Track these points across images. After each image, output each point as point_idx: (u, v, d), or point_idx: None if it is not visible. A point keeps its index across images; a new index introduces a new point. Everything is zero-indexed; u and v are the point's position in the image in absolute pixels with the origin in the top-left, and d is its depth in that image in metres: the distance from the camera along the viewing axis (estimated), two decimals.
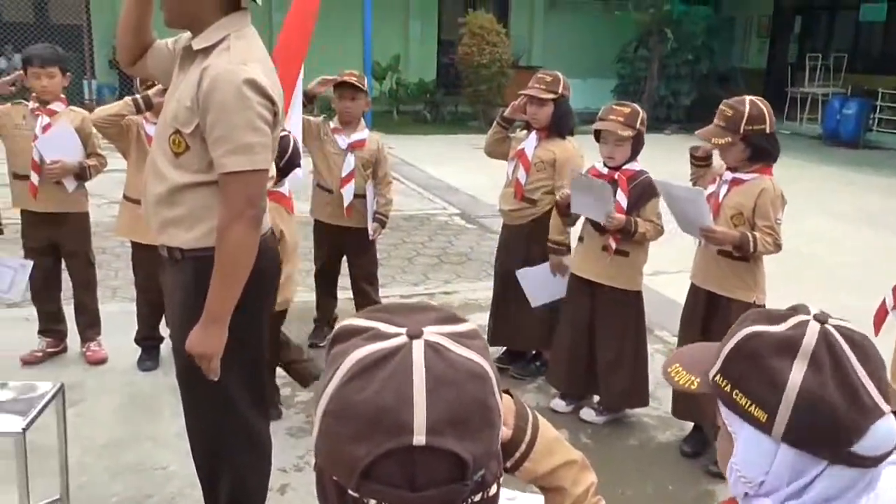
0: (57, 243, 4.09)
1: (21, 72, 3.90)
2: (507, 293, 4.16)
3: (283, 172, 3.42)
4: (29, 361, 4.10)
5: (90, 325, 4.24)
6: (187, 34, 2.39)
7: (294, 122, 3.90)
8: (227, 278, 2.17)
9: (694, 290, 3.44)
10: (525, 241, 4.09)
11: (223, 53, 2.15)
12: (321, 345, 4.58)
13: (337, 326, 0.88)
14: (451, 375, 0.79)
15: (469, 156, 11.77)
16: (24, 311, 4.75)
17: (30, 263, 3.88)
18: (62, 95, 3.99)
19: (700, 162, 3.51)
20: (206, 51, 2.16)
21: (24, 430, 2.28)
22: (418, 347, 0.79)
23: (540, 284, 4.02)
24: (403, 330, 0.81)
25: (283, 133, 3.40)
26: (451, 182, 9.74)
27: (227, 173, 2.13)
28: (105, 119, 3.77)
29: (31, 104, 3.92)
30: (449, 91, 16.57)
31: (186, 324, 2.26)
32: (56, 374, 3.82)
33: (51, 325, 4.22)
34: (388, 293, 5.04)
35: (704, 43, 15.86)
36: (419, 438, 0.75)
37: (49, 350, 4.20)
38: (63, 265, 4.22)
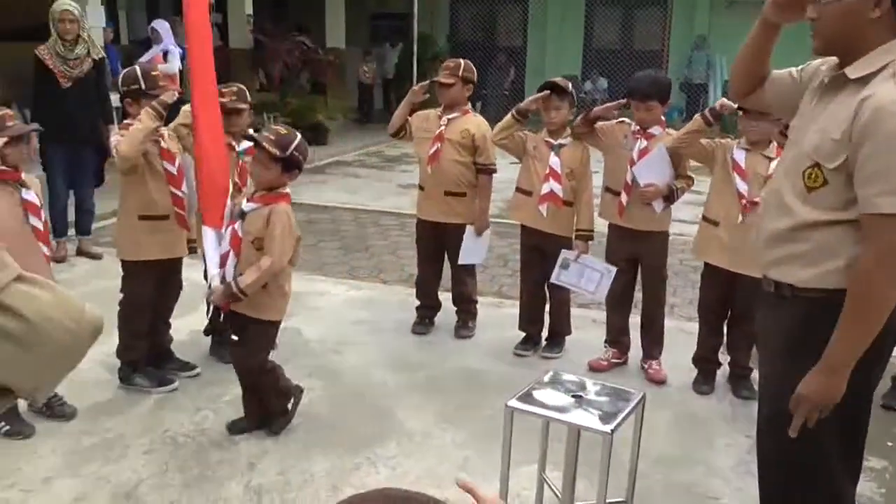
0: (637, 258, 4.32)
1: (625, 99, 4.22)
2: None
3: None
4: (595, 368, 4.40)
5: (655, 341, 4.39)
6: (817, 62, 2.27)
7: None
8: (857, 326, 1.99)
9: None
10: None
11: (887, 82, 1.96)
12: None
13: None
14: None
15: None
16: (591, 312, 5.19)
17: (614, 269, 4.22)
18: (662, 118, 4.20)
19: None
20: (864, 79, 2.00)
21: (613, 431, 2.42)
22: None
23: None
24: None
25: (300, 137, 3.34)
26: None
27: (876, 214, 1.94)
28: (682, 139, 3.97)
29: (634, 126, 4.21)
30: None
31: (785, 364, 2.16)
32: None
33: (618, 337, 4.48)
34: None
35: None
36: None
37: (613, 360, 4.46)
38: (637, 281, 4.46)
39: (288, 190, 3.40)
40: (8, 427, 3.45)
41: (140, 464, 3.33)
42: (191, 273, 4.79)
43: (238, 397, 3.96)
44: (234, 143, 4.17)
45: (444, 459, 3.47)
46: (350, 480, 3.27)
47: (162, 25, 9.18)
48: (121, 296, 3.96)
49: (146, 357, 4.04)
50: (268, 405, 3.60)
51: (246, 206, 3.36)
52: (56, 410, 3.62)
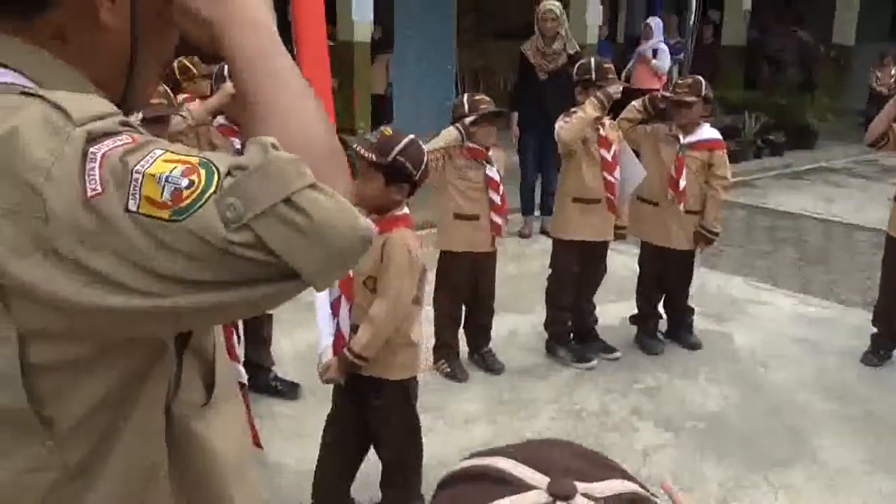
0: None
1: None
2: None
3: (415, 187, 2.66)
4: None
5: None
6: None
7: None
8: None
9: None
10: None
11: None
12: None
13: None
14: None
15: None
16: None
17: None
18: None
19: None
20: None
21: None
22: None
23: None
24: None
25: (410, 138, 2.60)
26: None
27: None
28: None
29: None
30: None
31: None
32: None
33: None
34: None
35: None
36: None
37: None
38: None
39: (406, 210, 2.66)
40: (449, 369, 4.00)
41: (545, 426, 3.59)
42: (625, 259, 4.95)
43: (652, 388, 3.99)
44: (680, 135, 4.16)
45: None
46: (740, 496, 3.08)
47: (656, 23, 9.37)
48: (549, 271, 4.27)
49: (571, 333, 4.29)
50: (392, 484, 2.82)
51: None
52: (489, 363, 4.07)
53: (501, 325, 4.35)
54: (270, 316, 3.68)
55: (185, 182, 0.72)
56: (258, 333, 3.65)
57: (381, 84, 9.18)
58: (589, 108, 3.87)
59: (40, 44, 0.85)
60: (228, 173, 0.73)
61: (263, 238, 0.72)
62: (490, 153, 3.87)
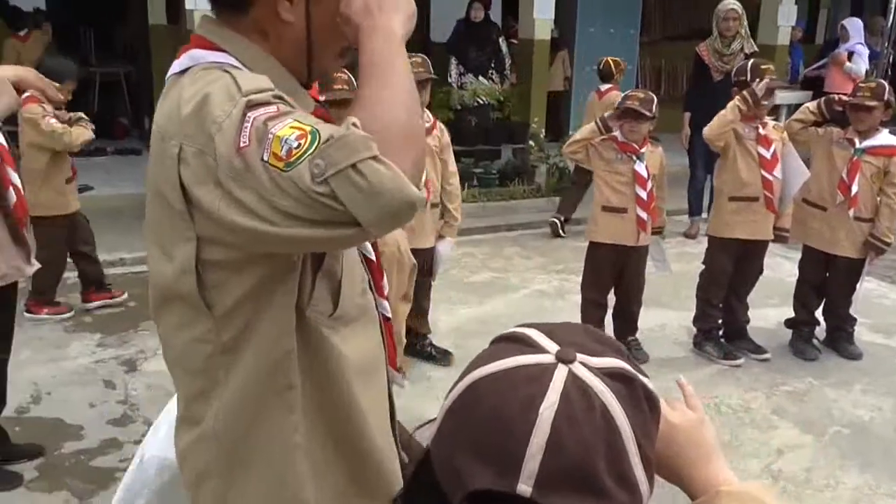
0: None
1: None
2: None
3: None
4: None
5: None
6: None
7: None
8: None
9: None
10: None
11: None
12: None
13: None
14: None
15: None
16: None
17: None
18: None
19: None
20: None
21: None
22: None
23: None
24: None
25: None
26: None
27: None
28: None
29: None
30: None
31: None
32: None
33: None
34: None
35: None
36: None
37: None
38: None
39: None
40: None
41: None
42: (792, 266, 4.87)
43: (799, 391, 3.96)
44: (856, 139, 4.08)
45: None
46: (874, 503, 3.05)
47: (853, 24, 8.88)
48: (702, 267, 4.31)
49: (721, 330, 4.32)
50: None
51: None
52: (633, 351, 4.19)
53: (651, 318, 4.46)
54: (429, 289, 4.04)
55: (295, 144, 0.98)
56: (420, 304, 3.99)
57: (559, 81, 9.38)
58: (730, 105, 3.92)
59: (247, 35, 1.16)
60: (327, 140, 0.98)
61: (336, 191, 0.97)
62: (644, 150, 3.98)
